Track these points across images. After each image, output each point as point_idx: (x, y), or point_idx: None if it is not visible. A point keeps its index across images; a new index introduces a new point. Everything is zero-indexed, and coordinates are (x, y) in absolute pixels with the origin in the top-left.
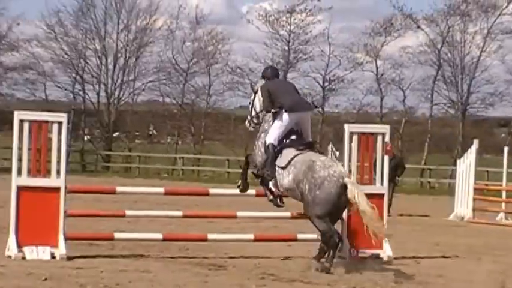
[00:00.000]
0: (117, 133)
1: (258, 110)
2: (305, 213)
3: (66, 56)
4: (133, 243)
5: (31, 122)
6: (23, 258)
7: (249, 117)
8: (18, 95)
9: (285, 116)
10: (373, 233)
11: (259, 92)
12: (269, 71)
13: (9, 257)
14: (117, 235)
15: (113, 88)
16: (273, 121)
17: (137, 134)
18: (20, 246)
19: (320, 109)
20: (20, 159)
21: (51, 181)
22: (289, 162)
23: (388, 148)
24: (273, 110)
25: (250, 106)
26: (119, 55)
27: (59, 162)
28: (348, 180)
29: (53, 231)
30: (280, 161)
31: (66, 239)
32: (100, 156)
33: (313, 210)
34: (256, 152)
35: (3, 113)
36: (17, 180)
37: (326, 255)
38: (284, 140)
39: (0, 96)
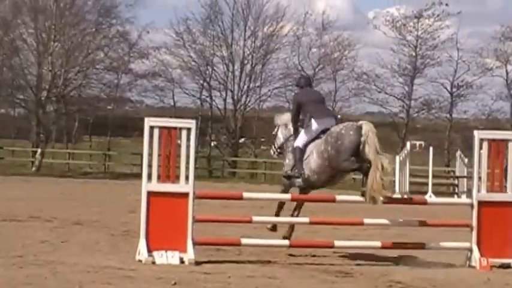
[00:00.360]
0: (243, 139)
1: (281, 141)
2: (336, 168)
3: (194, 63)
4: (260, 249)
5: (161, 128)
6: (153, 262)
7: (273, 147)
8: (147, 102)
9: (312, 122)
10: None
11: (285, 129)
12: (302, 80)
13: (140, 261)
14: (244, 241)
15: (239, 94)
16: (301, 129)
17: (263, 140)
18: (150, 250)
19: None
20: (149, 165)
21: (180, 187)
22: (311, 149)
23: None
24: (299, 124)
25: (275, 136)
26: (246, 62)
27: (187, 168)
28: (363, 122)
29: (181, 236)
30: (306, 155)
31: (195, 244)
32: (226, 162)
33: (340, 157)
34: (285, 165)
35: (133, 119)
36: (147, 185)
37: (368, 179)
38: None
39: (130, 103)
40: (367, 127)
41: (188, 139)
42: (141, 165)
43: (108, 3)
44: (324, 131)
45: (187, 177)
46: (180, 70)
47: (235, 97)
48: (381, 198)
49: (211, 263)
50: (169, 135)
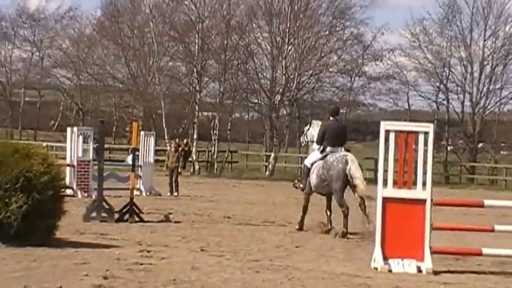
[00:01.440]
0: (482, 144)
1: (309, 138)
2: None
3: (430, 65)
4: (502, 259)
5: (397, 132)
6: (389, 270)
7: (303, 138)
8: (381, 105)
9: (327, 149)
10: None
11: (317, 128)
12: (332, 108)
13: (375, 268)
14: (485, 250)
15: (478, 97)
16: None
17: (503, 144)
18: (385, 258)
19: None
20: (385, 170)
21: (416, 193)
22: (314, 168)
23: None
24: (319, 146)
25: (307, 131)
26: (485, 62)
27: (424, 173)
28: (349, 157)
29: (418, 244)
30: (311, 172)
31: (432, 252)
32: (464, 167)
33: (334, 185)
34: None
35: (366, 123)
36: (383, 191)
37: (343, 223)
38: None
39: (363, 106)
40: (351, 158)
41: (425, 143)
42: (374, 170)
43: (343, 4)
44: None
45: (424, 183)
46: (415, 72)
47: (474, 100)
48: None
49: (450, 273)
50: (406, 139)
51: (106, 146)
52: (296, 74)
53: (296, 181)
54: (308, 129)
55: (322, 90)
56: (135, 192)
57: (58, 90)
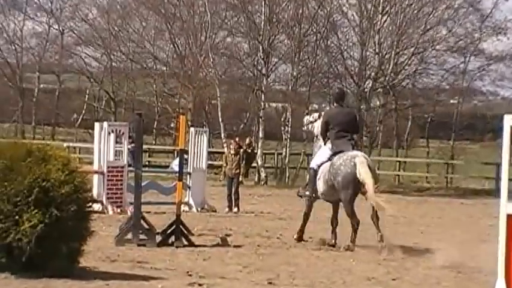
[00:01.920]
0: None
1: (316, 132)
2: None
3: None
4: None
5: None
6: None
7: (305, 127)
8: (504, 93)
9: (331, 145)
10: (372, 205)
11: (321, 118)
12: (337, 92)
13: None
14: None
15: None
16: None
17: None
18: None
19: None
20: (510, 179)
21: None
22: (320, 173)
23: None
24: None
25: (308, 122)
26: None
27: None
28: (358, 159)
29: None
30: (318, 176)
31: None
32: None
33: (342, 195)
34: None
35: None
36: (507, 206)
37: (351, 236)
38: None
39: (481, 95)
40: (360, 160)
41: None
42: (495, 179)
43: None
44: (336, 153)
45: None
46: None
47: None
48: (381, 205)
49: None
50: None
51: (145, 147)
52: (393, 52)
53: (301, 188)
54: (311, 120)
55: (426, 74)
56: (183, 208)
57: (82, 74)
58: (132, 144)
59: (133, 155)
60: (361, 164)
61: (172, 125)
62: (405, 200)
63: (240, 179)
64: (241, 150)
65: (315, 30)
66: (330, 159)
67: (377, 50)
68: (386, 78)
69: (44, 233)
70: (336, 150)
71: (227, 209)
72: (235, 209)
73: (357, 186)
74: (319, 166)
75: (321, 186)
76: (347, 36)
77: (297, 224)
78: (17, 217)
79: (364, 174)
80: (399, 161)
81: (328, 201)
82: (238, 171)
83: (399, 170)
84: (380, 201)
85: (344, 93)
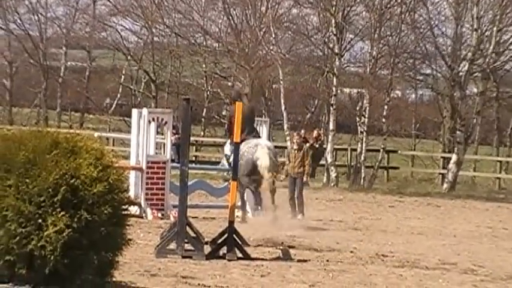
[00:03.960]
0: None
1: None
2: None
3: None
4: None
5: None
6: None
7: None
8: None
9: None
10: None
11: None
12: (236, 90)
13: None
14: None
15: None
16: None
17: None
18: None
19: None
20: None
21: None
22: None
23: None
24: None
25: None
26: None
27: None
28: (260, 145)
29: None
30: None
31: None
32: None
33: (242, 179)
34: None
35: None
36: None
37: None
38: None
39: None
40: (261, 150)
41: None
42: None
43: None
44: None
45: None
46: None
47: None
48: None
49: None
50: None
51: (192, 139)
52: (495, 29)
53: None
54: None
55: None
56: (237, 213)
57: (118, 50)
58: (177, 136)
59: (177, 148)
60: (262, 149)
61: (224, 113)
62: (507, 209)
63: (305, 179)
64: (307, 144)
65: (399, 0)
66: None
67: (475, 26)
68: (486, 60)
69: (71, 240)
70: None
71: (289, 215)
72: (299, 216)
73: (256, 170)
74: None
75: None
76: (438, 9)
77: (375, 235)
78: (40, 220)
79: (262, 159)
80: (500, 161)
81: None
82: (302, 169)
83: (500, 172)
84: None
85: (240, 93)
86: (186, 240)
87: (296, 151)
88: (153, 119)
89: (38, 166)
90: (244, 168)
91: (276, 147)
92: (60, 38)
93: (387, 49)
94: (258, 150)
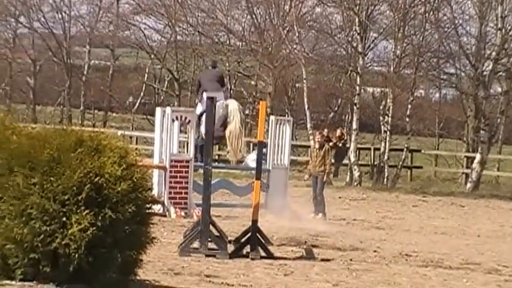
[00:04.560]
0: None
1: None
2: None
3: None
4: None
5: None
6: None
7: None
8: None
9: (204, 95)
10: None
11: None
12: (208, 63)
13: None
14: None
15: None
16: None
17: None
18: None
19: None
20: None
21: None
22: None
23: None
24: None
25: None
26: None
27: None
28: (230, 101)
29: None
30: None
31: None
32: None
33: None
34: None
35: None
36: None
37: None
38: None
39: None
40: (232, 105)
41: None
42: None
43: None
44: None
45: None
46: None
47: None
48: (238, 157)
49: None
50: None
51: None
52: None
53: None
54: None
55: None
56: (260, 212)
57: (141, 49)
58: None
59: (201, 147)
60: (232, 105)
61: (247, 112)
62: None
63: (325, 178)
64: (330, 144)
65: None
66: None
67: (499, 25)
68: (511, 59)
69: (95, 238)
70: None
71: (313, 214)
72: (318, 215)
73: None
74: (201, 114)
75: (202, 128)
76: (463, 8)
77: (398, 234)
78: (64, 219)
79: (234, 113)
80: None
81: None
82: (323, 168)
83: None
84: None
85: (215, 62)
86: (209, 239)
87: (317, 150)
88: (177, 118)
89: (63, 164)
90: (217, 122)
91: (299, 146)
92: (84, 37)
93: (411, 48)
94: (229, 106)
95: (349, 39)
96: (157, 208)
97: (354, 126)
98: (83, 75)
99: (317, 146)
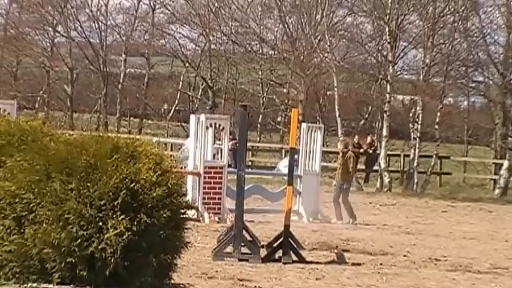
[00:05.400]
0: None
1: None
2: None
3: None
4: None
5: None
6: None
7: None
8: None
9: None
10: None
11: None
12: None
13: None
14: None
15: None
16: None
17: None
18: None
19: None
20: None
21: None
22: None
23: None
24: None
25: None
26: None
27: None
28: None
29: None
30: None
31: None
32: None
33: None
34: None
35: None
36: None
37: None
38: None
39: None
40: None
41: None
42: None
43: None
44: None
45: None
46: None
47: None
48: None
49: None
50: None
51: (248, 144)
52: None
53: None
54: None
55: None
56: (293, 217)
57: (176, 57)
58: (233, 141)
59: (234, 153)
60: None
61: (279, 119)
62: None
63: (345, 185)
64: (349, 152)
65: (452, 9)
66: None
67: None
68: None
69: (131, 243)
70: None
71: (351, 220)
72: (333, 219)
73: None
74: None
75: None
76: (491, 18)
77: (428, 239)
78: (100, 223)
79: None
80: None
81: None
82: (345, 176)
83: None
84: None
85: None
86: (242, 244)
87: (341, 158)
88: (211, 125)
89: (99, 170)
90: None
91: (330, 152)
92: (120, 45)
93: (440, 57)
94: None
95: (380, 48)
96: (191, 213)
97: (384, 133)
98: (119, 83)
99: (340, 154)
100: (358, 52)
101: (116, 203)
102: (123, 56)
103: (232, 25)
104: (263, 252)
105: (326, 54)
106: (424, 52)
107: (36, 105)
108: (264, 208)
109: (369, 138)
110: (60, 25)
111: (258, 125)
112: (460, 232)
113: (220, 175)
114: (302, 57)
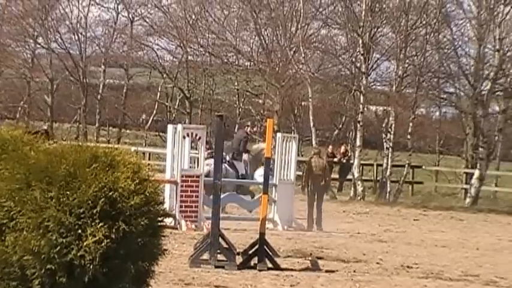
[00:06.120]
0: None
1: None
2: None
3: None
4: None
5: None
6: None
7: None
8: None
9: None
10: None
11: None
12: None
13: None
14: None
15: None
16: None
17: None
18: None
19: None
20: None
21: None
22: None
23: None
24: None
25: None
26: None
27: None
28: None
29: None
30: None
31: None
32: None
33: None
34: None
35: None
36: None
37: None
38: None
39: None
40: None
41: None
42: None
43: None
44: None
45: None
46: None
47: None
48: None
49: None
50: None
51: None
52: None
53: None
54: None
55: None
56: (268, 225)
57: (154, 68)
58: (210, 151)
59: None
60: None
61: (255, 129)
62: None
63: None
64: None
65: (424, 22)
66: None
67: (497, 47)
68: (508, 80)
69: (109, 250)
70: None
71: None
72: (316, 227)
73: None
74: None
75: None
76: (462, 30)
77: (400, 247)
78: (79, 231)
79: None
80: None
81: None
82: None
83: None
84: None
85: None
86: (218, 251)
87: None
88: (188, 135)
89: (78, 179)
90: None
91: (304, 162)
92: (99, 57)
93: (412, 68)
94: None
95: (353, 59)
96: (168, 221)
97: (358, 143)
98: (98, 93)
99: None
100: (332, 64)
101: (94, 211)
102: (103, 67)
103: (209, 37)
104: (239, 259)
105: (301, 66)
106: (397, 64)
107: (17, 115)
108: (239, 216)
109: (342, 148)
110: (40, 37)
111: (234, 135)
112: (431, 240)
113: (196, 184)
114: (277, 68)
